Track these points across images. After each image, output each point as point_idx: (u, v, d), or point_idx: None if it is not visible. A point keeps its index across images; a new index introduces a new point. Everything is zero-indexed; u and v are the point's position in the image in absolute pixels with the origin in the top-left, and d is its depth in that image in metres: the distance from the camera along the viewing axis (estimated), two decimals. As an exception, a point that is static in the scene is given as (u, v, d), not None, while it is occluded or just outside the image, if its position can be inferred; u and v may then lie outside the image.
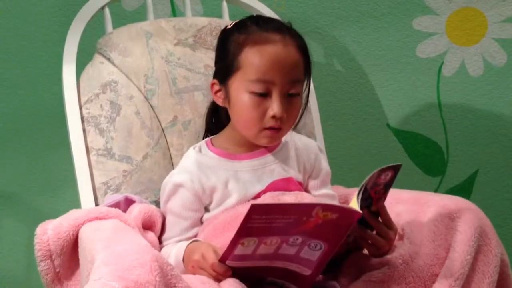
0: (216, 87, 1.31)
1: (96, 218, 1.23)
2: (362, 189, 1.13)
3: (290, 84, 1.25)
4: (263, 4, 1.65)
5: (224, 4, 1.62)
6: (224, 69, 1.28)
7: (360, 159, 1.91)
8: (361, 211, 1.08)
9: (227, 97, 1.29)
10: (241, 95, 1.25)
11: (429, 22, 1.87)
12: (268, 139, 1.27)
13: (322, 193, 1.37)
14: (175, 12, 1.79)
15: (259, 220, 1.02)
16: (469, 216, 1.24)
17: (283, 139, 1.35)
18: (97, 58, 1.46)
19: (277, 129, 1.26)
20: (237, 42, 1.27)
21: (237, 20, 1.33)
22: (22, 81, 1.75)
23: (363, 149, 1.91)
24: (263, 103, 1.24)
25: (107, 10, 1.50)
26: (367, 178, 1.13)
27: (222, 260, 1.09)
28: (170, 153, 1.45)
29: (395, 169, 1.17)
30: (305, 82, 1.31)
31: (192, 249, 1.20)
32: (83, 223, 1.22)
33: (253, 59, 1.24)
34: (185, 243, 1.23)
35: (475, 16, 1.87)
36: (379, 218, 1.22)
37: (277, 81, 1.23)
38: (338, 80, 1.88)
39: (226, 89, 1.28)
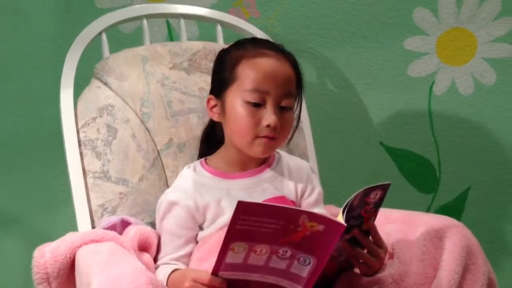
0: (212, 102, 1.34)
1: (93, 241, 1.23)
2: (348, 206, 1.14)
3: (283, 96, 1.29)
4: (257, 28, 1.68)
5: (219, 27, 1.64)
6: (221, 82, 1.32)
7: (353, 177, 1.92)
8: (345, 224, 1.08)
9: (222, 111, 1.32)
10: (236, 105, 1.28)
11: (420, 43, 1.89)
12: (262, 148, 1.29)
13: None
14: (171, 34, 1.81)
15: (247, 222, 1.04)
16: (456, 236, 1.26)
17: (276, 159, 1.38)
18: (94, 82, 1.47)
19: (271, 138, 1.28)
20: (234, 57, 1.32)
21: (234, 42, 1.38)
22: (20, 101, 1.76)
23: (356, 167, 1.93)
24: (258, 113, 1.27)
25: (104, 36, 1.51)
26: (352, 195, 1.14)
27: (214, 271, 1.11)
28: (165, 175, 1.46)
29: (384, 188, 1.18)
30: (297, 99, 1.35)
31: (178, 278, 1.21)
32: (80, 246, 1.22)
33: (249, 71, 1.28)
34: (168, 271, 1.24)
35: (465, 36, 1.89)
36: (370, 237, 1.24)
37: (272, 91, 1.27)
38: (331, 99, 1.90)
39: (222, 102, 1.32)
